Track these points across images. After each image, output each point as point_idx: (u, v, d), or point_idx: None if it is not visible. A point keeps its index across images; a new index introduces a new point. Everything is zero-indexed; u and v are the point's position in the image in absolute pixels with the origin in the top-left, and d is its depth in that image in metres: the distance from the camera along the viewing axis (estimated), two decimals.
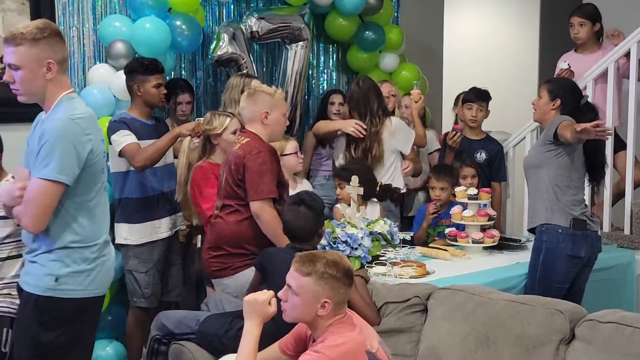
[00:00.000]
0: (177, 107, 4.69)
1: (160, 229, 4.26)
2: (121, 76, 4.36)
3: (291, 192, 4.07)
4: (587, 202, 4.07)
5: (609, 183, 4.80)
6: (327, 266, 2.50)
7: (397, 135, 4.76)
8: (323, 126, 5.02)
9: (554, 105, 3.89)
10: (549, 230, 3.78)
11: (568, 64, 4.98)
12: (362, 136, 4.69)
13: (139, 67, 4.15)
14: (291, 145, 4.51)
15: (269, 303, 2.60)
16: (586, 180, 3.98)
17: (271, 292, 2.62)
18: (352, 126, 4.72)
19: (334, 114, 5.35)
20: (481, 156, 4.96)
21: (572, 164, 3.79)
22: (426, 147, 5.46)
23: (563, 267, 3.75)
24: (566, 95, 3.89)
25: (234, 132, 4.05)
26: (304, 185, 4.65)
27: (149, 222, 4.22)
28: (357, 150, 4.70)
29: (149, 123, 4.20)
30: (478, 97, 4.99)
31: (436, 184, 4.68)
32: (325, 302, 2.50)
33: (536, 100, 3.99)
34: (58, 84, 2.74)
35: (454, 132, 4.95)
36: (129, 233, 4.21)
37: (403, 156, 4.86)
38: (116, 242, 4.23)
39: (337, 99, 5.37)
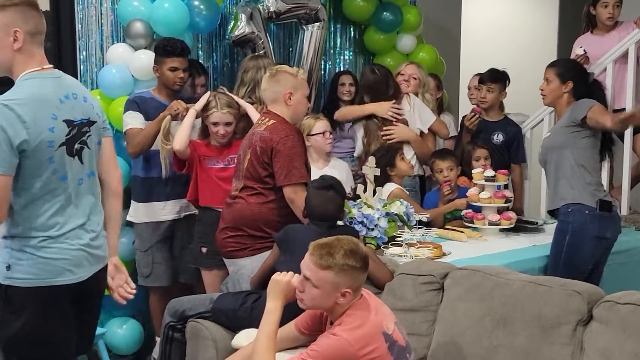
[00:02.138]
0: (195, 89, 4.71)
1: (164, 211, 4.29)
2: (140, 56, 4.38)
3: (321, 171, 4.06)
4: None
5: (627, 166, 4.77)
6: (346, 257, 2.48)
7: (416, 112, 4.76)
8: (352, 112, 4.98)
9: (566, 88, 3.86)
10: (576, 211, 3.75)
11: (584, 50, 4.94)
12: (399, 119, 4.74)
13: (158, 48, 4.19)
14: (319, 125, 4.47)
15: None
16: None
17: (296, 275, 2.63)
18: (389, 111, 4.74)
19: (344, 94, 5.35)
20: (498, 138, 4.94)
21: (594, 146, 3.78)
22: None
23: (589, 249, 3.73)
24: (577, 76, 3.88)
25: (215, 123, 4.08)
26: (336, 163, 4.63)
27: (153, 203, 4.27)
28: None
29: (166, 104, 4.20)
30: (488, 78, 4.96)
31: (442, 164, 4.64)
32: (346, 291, 2.50)
33: (544, 86, 3.94)
34: (28, 57, 2.59)
35: (472, 114, 4.94)
36: (134, 210, 4.31)
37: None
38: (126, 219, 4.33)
39: (347, 79, 5.37)
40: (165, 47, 4.15)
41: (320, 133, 4.44)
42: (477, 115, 4.92)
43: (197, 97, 4.64)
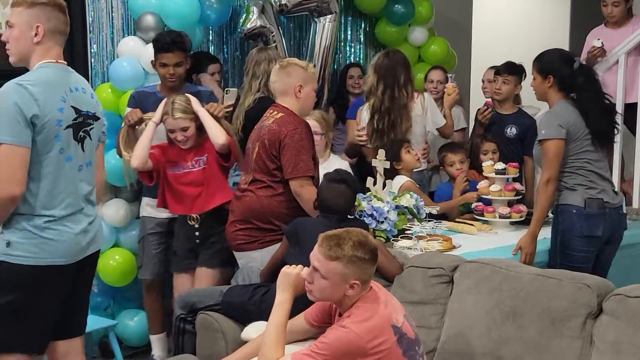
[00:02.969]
0: (210, 77, 4.71)
1: (159, 208, 4.18)
2: (151, 49, 4.38)
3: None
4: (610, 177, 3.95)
5: (639, 158, 4.75)
6: (354, 249, 2.49)
7: (428, 113, 4.72)
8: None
9: (548, 83, 3.75)
10: (564, 211, 3.71)
11: (601, 42, 4.91)
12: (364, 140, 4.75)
13: (153, 43, 4.15)
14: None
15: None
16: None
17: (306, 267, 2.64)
18: (357, 138, 4.80)
19: (353, 87, 5.34)
20: (511, 131, 4.90)
21: (579, 148, 3.68)
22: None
23: (581, 248, 3.67)
24: (556, 69, 3.73)
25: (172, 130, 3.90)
26: (334, 160, 4.59)
27: (146, 198, 4.27)
28: (382, 122, 4.61)
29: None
30: (504, 69, 4.93)
31: (454, 157, 4.65)
32: (355, 283, 2.49)
33: (532, 83, 3.88)
34: (45, 51, 2.84)
35: (485, 108, 4.93)
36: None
37: None
38: None
39: (355, 72, 5.38)
40: (155, 43, 4.09)
41: None
42: (490, 109, 4.90)
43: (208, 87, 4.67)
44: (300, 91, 3.66)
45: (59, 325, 2.93)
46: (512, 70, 4.92)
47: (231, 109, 4.53)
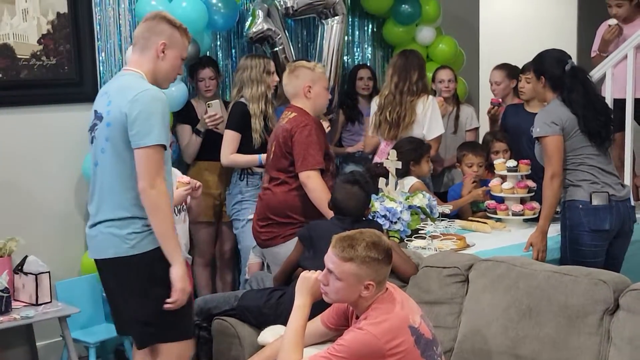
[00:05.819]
0: (200, 84, 4.69)
1: None
2: None
3: None
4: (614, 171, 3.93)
5: None
6: (368, 249, 2.48)
7: (427, 117, 4.70)
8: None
9: (542, 83, 3.82)
10: (570, 207, 3.74)
11: (617, 22, 4.91)
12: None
13: None
14: None
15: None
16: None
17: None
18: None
19: (362, 89, 5.33)
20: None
21: (577, 144, 3.70)
22: (465, 124, 5.41)
23: (590, 243, 3.68)
24: (548, 69, 3.80)
25: None
26: None
27: None
28: (390, 114, 4.68)
29: None
30: (528, 68, 4.89)
31: (474, 159, 4.64)
32: (369, 284, 2.49)
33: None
34: None
35: (491, 106, 4.94)
36: None
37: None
38: None
39: (365, 73, 5.37)
40: None
41: None
42: (494, 107, 4.93)
43: (203, 92, 4.66)
44: (309, 91, 3.84)
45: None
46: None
47: (220, 119, 4.53)
